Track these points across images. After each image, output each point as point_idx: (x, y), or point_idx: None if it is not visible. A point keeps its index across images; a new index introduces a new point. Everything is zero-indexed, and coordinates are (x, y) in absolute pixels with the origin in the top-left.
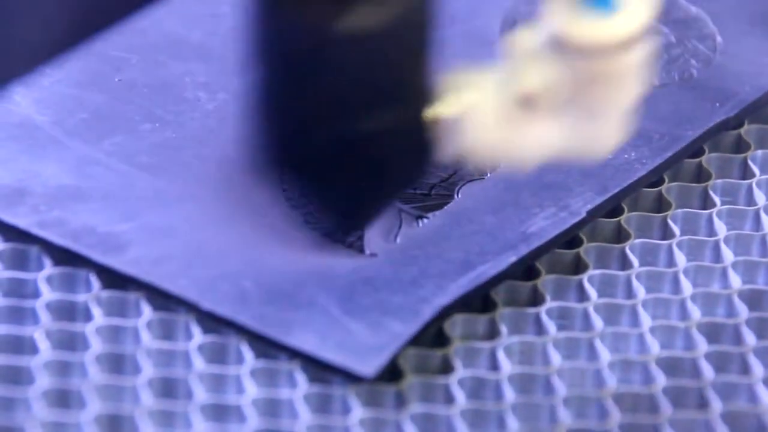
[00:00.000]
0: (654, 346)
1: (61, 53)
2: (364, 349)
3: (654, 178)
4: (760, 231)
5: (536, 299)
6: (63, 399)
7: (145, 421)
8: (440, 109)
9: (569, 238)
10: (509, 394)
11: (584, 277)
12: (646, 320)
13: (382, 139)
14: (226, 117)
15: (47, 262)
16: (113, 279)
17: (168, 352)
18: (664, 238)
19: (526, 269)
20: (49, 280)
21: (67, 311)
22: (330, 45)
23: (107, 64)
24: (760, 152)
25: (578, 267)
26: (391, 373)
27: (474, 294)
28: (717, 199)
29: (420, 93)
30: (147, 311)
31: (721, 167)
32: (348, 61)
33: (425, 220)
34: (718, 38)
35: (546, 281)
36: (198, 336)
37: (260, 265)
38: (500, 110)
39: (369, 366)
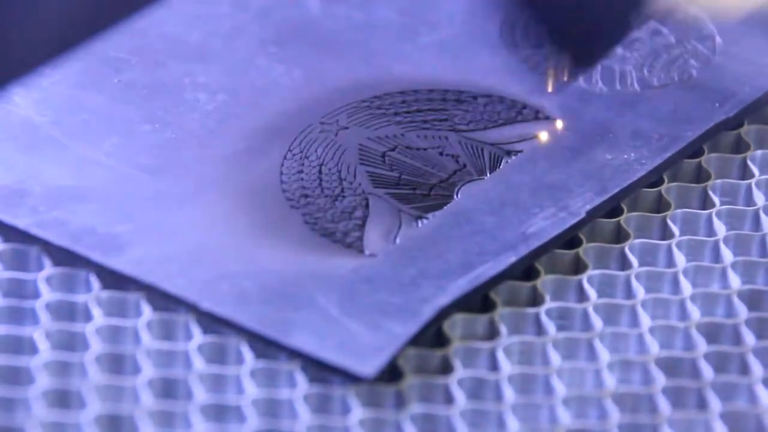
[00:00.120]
0: (653, 347)
1: (61, 54)
2: (364, 349)
3: (653, 179)
4: (759, 231)
5: (536, 299)
6: (63, 399)
7: (144, 422)
8: None
9: (569, 239)
10: (509, 395)
11: (584, 278)
12: (645, 320)
13: None
14: (225, 118)
15: (47, 263)
16: (113, 279)
17: (168, 353)
18: (663, 239)
19: (525, 269)
20: (49, 280)
21: (67, 312)
22: None
23: (107, 65)
24: (759, 152)
25: (578, 267)
26: (391, 373)
27: (474, 294)
28: (716, 200)
29: None
30: (147, 311)
31: (721, 167)
32: None
33: (425, 221)
34: (718, 39)
35: (545, 281)
36: (198, 336)
37: (260, 266)
38: None
39: (369, 366)
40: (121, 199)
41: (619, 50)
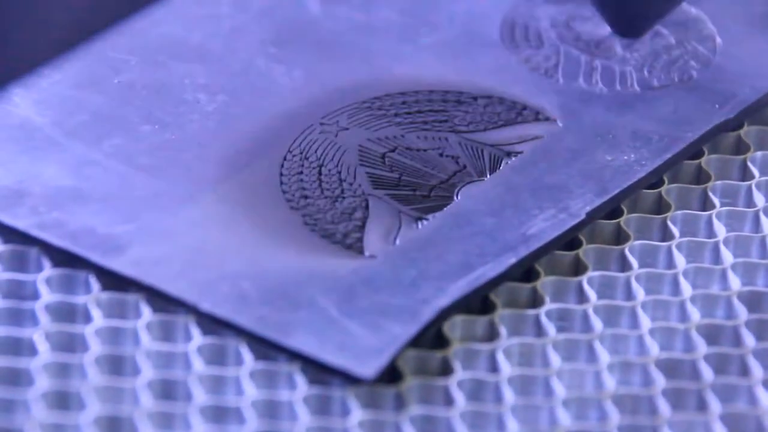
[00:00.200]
0: (653, 348)
1: (61, 54)
2: (364, 350)
3: (653, 180)
4: (759, 232)
5: (536, 301)
6: (62, 401)
7: (144, 423)
8: None
9: (569, 240)
10: (509, 396)
11: (584, 279)
12: (645, 322)
13: None
14: (225, 118)
15: (46, 264)
16: (113, 280)
17: (167, 354)
18: (663, 240)
19: (525, 271)
20: (49, 281)
21: (67, 313)
22: None
23: (106, 66)
24: (759, 154)
25: (578, 268)
26: (391, 374)
27: (473, 295)
28: (716, 201)
29: None
30: (146, 313)
31: (721, 169)
32: None
33: (425, 222)
34: (718, 39)
35: (545, 283)
36: (197, 337)
37: (260, 267)
38: None
39: (368, 368)
40: (121, 200)
41: (619, 50)
